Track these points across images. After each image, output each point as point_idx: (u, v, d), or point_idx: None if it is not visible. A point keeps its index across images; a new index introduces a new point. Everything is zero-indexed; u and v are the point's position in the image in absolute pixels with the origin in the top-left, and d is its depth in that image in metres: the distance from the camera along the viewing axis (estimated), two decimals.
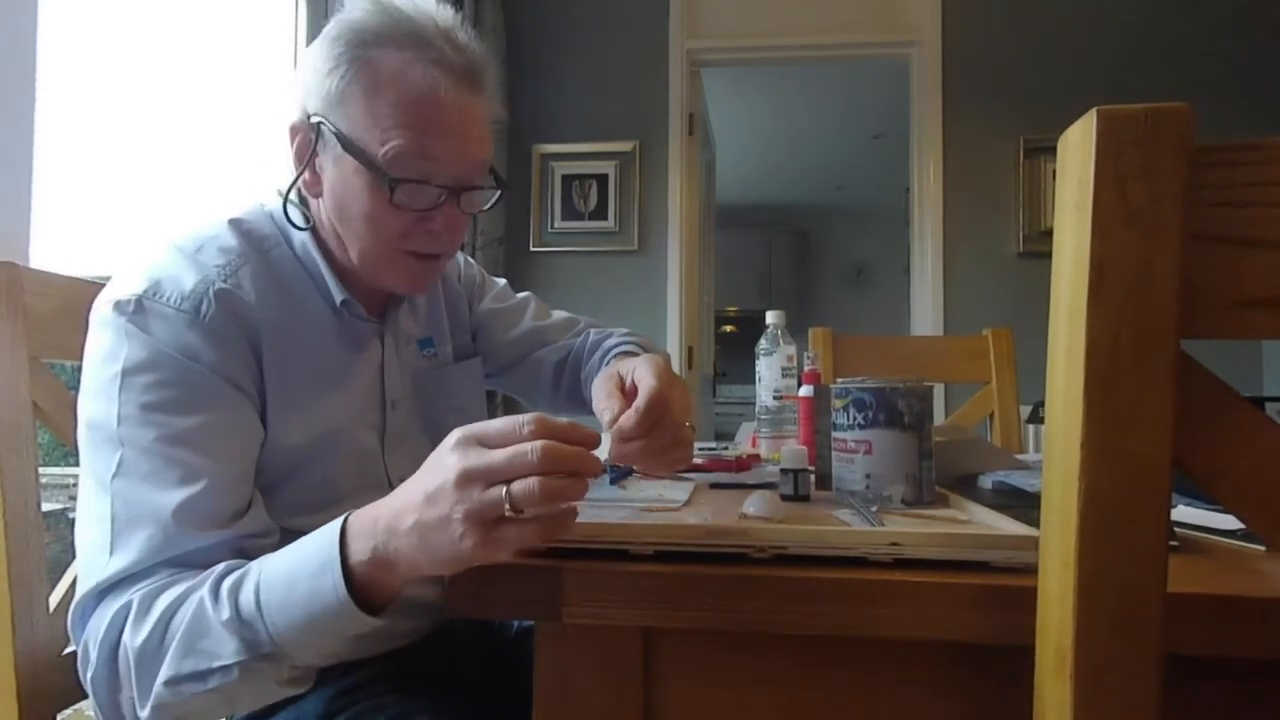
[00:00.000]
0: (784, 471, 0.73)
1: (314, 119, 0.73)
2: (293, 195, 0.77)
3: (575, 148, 2.97)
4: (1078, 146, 0.36)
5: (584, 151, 2.97)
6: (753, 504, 0.62)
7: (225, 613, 0.57)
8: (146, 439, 0.64)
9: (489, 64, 0.77)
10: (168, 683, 0.57)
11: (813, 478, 0.77)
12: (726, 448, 1.19)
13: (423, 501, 0.52)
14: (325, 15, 2.46)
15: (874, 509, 0.64)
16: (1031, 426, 2.32)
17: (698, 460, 0.94)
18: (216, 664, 0.56)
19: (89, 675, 0.60)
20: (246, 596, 0.57)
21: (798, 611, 0.50)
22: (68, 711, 0.77)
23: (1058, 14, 2.81)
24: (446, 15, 0.76)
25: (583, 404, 1.00)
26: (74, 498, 0.67)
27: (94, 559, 0.62)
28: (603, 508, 0.66)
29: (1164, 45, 2.77)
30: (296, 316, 0.76)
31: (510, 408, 2.45)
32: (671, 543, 0.55)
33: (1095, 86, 2.73)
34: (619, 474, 0.80)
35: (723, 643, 0.54)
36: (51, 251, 1.37)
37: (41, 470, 0.77)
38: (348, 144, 0.72)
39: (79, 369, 0.70)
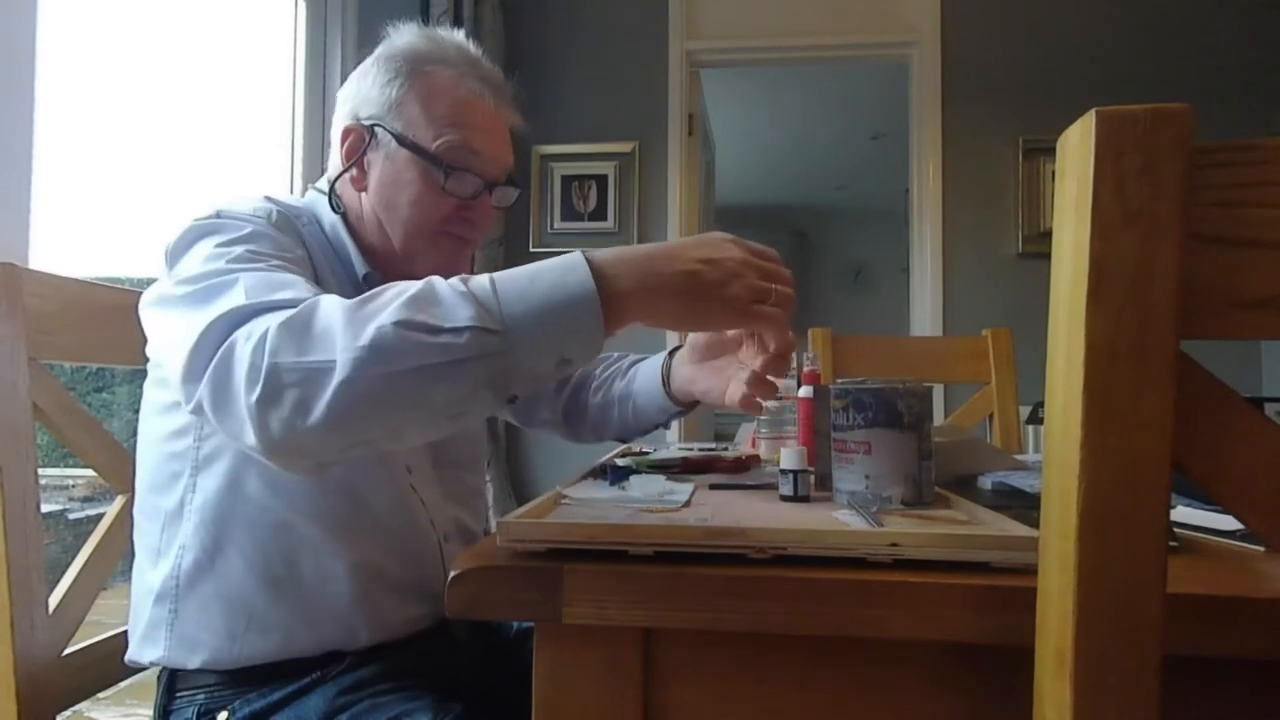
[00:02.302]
0: (784, 472, 0.73)
1: (367, 122, 0.85)
2: (333, 187, 0.88)
3: (575, 148, 2.97)
4: (1077, 147, 0.36)
5: (583, 152, 2.97)
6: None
7: (459, 287, 0.56)
8: (259, 266, 0.68)
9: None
10: (399, 324, 0.53)
11: (812, 478, 0.77)
12: (726, 448, 1.19)
13: (695, 243, 0.63)
14: (324, 16, 2.46)
15: (874, 510, 0.64)
16: (1031, 427, 2.32)
17: (695, 458, 0.94)
18: (449, 324, 0.54)
19: (254, 339, 0.56)
20: (479, 282, 0.57)
21: (798, 612, 0.50)
22: (67, 713, 0.77)
23: (1057, 15, 2.81)
24: (474, 46, 0.92)
25: (577, 415, 1.11)
26: (74, 498, 0.67)
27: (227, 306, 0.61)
28: (603, 508, 0.66)
29: (1164, 45, 2.77)
30: (328, 284, 0.82)
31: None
32: (671, 543, 0.55)
33: (1095, 86, 2.73)
34: (619, 475, 0.80)
35: (723, 643, 0.54)
36: (51, 251, 1.37)
37: (41, 471, 0.77)
38: (404, 140, 0.84)
39: (79, 369, 0.70)
